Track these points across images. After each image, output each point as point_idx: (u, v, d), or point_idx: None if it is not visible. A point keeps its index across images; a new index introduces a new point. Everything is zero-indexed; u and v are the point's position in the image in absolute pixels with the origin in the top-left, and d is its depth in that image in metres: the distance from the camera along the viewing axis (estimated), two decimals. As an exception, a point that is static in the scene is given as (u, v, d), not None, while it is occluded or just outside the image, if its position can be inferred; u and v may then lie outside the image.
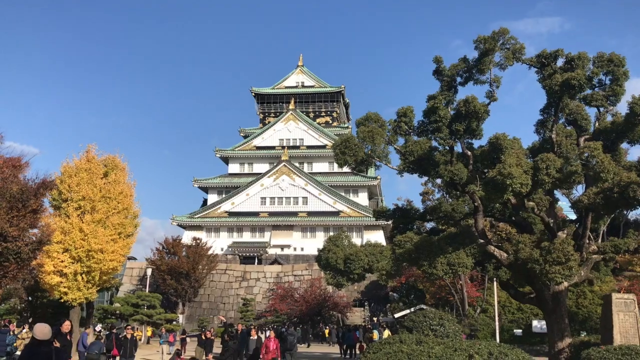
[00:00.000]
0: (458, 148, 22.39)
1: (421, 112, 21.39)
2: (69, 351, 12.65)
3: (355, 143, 21.75)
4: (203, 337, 23.24)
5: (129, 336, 17.84)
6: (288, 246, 76.84)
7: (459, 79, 22.21)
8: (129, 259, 70.75)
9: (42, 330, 6.83)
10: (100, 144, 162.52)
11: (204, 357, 21.52)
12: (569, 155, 20.90)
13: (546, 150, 20.63)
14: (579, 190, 29.67)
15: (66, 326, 12.92)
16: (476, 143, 23.37)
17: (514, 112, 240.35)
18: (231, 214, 79.35)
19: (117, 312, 43.52)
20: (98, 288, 33.49)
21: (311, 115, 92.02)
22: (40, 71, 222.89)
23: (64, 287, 31.11)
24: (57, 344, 7.64)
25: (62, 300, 32.05)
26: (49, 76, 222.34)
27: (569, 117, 21.97)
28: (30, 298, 37.76)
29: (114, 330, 22.33)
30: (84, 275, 31.53)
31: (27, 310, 38.76)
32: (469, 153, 21.95)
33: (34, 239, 22.37)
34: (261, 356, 18.14)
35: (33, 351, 6.65)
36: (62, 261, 30.89)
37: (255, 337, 19.83)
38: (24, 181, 22.25)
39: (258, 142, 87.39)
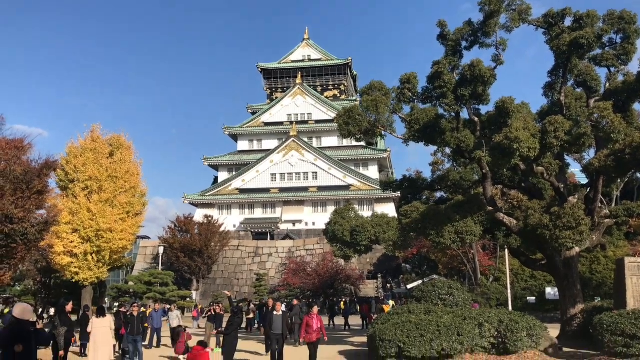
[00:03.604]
0: (465, 115, 21.93)
1: (425, 79, 20.91)
2: (72, 330, 12.62)
3: (359, 113, 21.34)
4: (213, 313, 23.29)
5: (135, 313, 17.82)
6: (299, 221, 76.92)
7: (464, 43, 21.64)
8: (141, 238, 71.23)
9: (23, 310, 6.68)
10: (109, 124, 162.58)
11: (213, 332, 21.59)
12: (579, 117, 20.31)
13: (555, 114, 20.10)
14: (590, 155, 29.08)
15: (69, 306, 12.96)
16: (483, 109, 22.88)
17: (525, 77, 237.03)
18: (242, 191, 79.43)
19: (131, 290, 43.92)
20: (109, 267, 33.67)
21: (319, 89, 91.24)
22: (45, 53, 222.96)
23: (75, 267, 31.30)
24: (40, 326, 7.45)
25: (74, 280, 32.29)
26: (55, 59, 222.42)
27: (578, 78, 21.33)
28: (44, 279, 38.12)
29: (122, 309, 22.48)
30: (94, 255, 31.67)
31: (42, 291, 39.17)
32: (476, 119, 21.47)
33: (41, 220, 22.39)
34: (301, 337, 15.40)
35: (13, 329, 6.52)
36: (71, 242, 31.02)
37: (280, 312, 16.47)
38: (27, 162, 22.16)
39: (266, 118, 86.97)
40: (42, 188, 22.43)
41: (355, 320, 37.06)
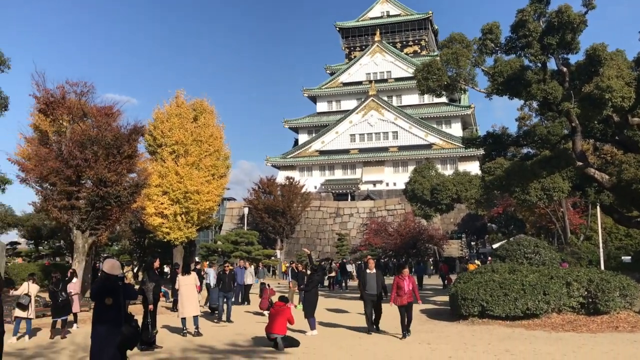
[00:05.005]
0: (552, 65, 20.69)
1: (508, 28, 19.82)
2: (160, 285, 13.29)
3: (438, 67, 20.63)
4: (296, 270, 23.88)
5: (227, 271, 18.60)
6: (380, 182, 76.63)
7: (551, -12, 20.24)
8: (228, 199, 73.71)
9: (112, 265, 7.09)
10: (193, 90, 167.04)
11: (296, 289, 22.17)
12: (683, 63, 18.62)
13: (654, 59, 18.52)
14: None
15: (156, 263, 13.64)
16: (573, 58, 21.51)
17: (621, 23, 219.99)
18: (322, 152, 79.94)
19: (219, 249, 45.76)
20: (197, 227, 35.15)
21: (398, 45, 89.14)
22: (132, 25, 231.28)
23: (166, 227, 32.90)
24: (129, 281, 7.86)
25: (165, 240, 34.01)
26: (141, 29, 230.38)
27: (682, 19, 19.43)
28: (138, 239, 40.41)
29: (197, 266, 23.50)
30: (183, 216, 33.13)
31: (137, 250, 41.60)
32: (565, 69, 20.19)
33: (132, 183, 23.62)
34: (391, 301, 13.68)
35: (103, 283, 6.97)
36: (162, 203, 32.56)
37: (374, 271, 14.68)
38: (117, 128, 23.29)
39: (344, 78, 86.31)
40: (132, 152, 23.60)
41: (436, 281, 36.84)
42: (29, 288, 13.86)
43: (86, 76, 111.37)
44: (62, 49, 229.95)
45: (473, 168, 66.02)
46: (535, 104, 30.29)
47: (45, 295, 17.17)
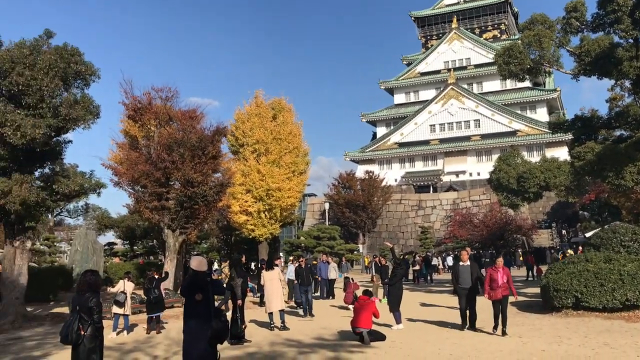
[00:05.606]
0: (645, 40, 19.38)
1: (595, 5, 18.75)
2: (247, 281, 13.68)
3: (520, 50, 19.91)
4: (379, 264, 23.78)
5: (303, 265, 18.84)
6: (463, 172, 74.78)
7: (642, -42, 18.93)
8: (309, 195, 74.55)
9: (199, 262, 7.34)
10: (272, 90, 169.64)
11: (379, 283, 22.11)
12: None
13: None
14: None
15: (244, 258, 14.03)
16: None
17: None
18: (401, 144, 79.07)
19: (302, 245, 46.43)
20: (280, 223, 35.84)
21: (476, 31, 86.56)
22: (213, 33, 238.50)
23: (251, 224, 33.77)
24: (226, 276, 8.02)
25: (251, 237, 34.92)
26: (221, 35, 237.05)
27: None
28: (225, 236, 41.73)
29: (276, 262, 23.94)
30: (266, 213, 33.89)
31: (224, 247, 42.98)
32: (660, 43, 18.87)
33: (217, 182, 24.42)
34: (485, 294, 12.77)
35: (192, 280, 7.23)
36: (246, 201, 33.44)
37: (468, 263, 13.76)
38: (201, 130, 24.13)
39: (422, 68, 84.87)
40: (216, 153, 24.38)
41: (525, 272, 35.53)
42: (125, 286, 14.63)
43: (172, 81, 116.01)
44: (145, 54, 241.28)
45: (561, 154, 63.08)
46: (627, 83, 28.51)
47: (141, 292, 18.08)
